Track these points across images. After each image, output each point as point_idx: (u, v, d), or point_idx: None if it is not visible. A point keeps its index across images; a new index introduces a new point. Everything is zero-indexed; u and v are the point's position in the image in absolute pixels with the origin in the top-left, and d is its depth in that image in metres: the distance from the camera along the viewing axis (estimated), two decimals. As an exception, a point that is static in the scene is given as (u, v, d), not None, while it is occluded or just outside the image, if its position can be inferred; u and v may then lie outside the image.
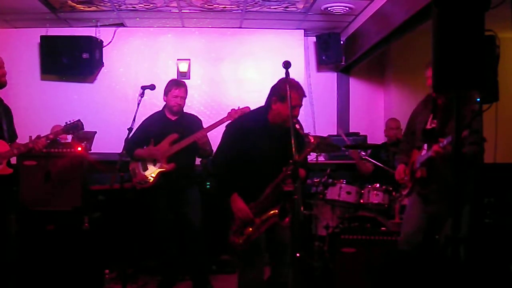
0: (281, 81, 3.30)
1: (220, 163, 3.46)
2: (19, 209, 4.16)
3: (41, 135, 3.70)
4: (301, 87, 3.32)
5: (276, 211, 3.26)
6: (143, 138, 4.59)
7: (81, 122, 3.83)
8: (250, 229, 3.31)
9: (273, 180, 3.29)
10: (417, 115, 3.71)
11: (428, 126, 3.55)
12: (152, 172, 4.53)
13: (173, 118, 4.63)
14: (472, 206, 3.33)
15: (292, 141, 3.11)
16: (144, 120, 4.66)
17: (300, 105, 3.35)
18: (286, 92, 3.06)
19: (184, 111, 4.71)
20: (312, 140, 3.16)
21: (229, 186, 3.39)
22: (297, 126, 3.11)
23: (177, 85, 4.59)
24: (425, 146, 3.46)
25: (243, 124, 3.54)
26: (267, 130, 3.41)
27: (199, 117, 4.83)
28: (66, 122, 3.81)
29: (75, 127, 3.81)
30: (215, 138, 4.59)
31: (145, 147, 4.58)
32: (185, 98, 4.61)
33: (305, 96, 3.37)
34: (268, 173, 3.31)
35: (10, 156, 3.61)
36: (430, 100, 3.59)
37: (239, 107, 4.39)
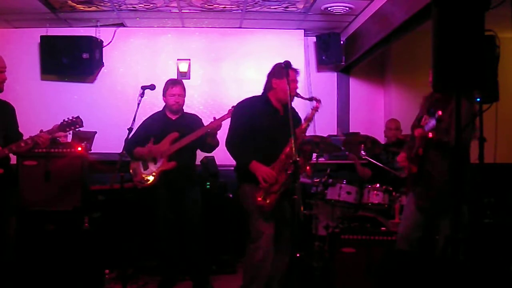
0: (275, 64, 3.83)
1: (235, 139, 3.73)
2: (19, 209, 4.16)
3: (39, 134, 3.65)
4: (292, 66, 3.70)
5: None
6: (144, 137, 4.59)
7: (80, 119, 3.74)
8: (276, 187, 3.57)
9: (284, 147, 3.58)
10: (416, 121, 3.74)
11: (423, 123, 3.57)
12: (153, 171, 4.53)
13: (174, 117, 4.64)
14: (469, 206, 3.34)
15: (292, 141, 3.18)
16: (144, 120, 4.67)
17: (296, 80, 3.78)
18: (281, 69, 3.64)
19: (185, 111, 4.72)
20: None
21: (247, 155, 3.66)
22: (299, 96, 3.69)
23: (173, 84, 4.62)
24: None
25: (246, 104, 3.86)
26: (270, 107, 3.79)
27: (199, 117, 4.84)
28: (63, 120, 3.73)
29: (73, 124, 3.72)
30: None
31: (145, 146, 4.59)
32: (183, 96, 4.62)
33: (299, 73, 3.82)
34: (278, 144, 3.62)
35: None
36: (425, 103, 3.64)
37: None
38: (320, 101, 3.69)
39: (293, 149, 3.26)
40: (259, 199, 3.58)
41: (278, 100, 3.78)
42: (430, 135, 3.26)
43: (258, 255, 3.65)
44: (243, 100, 3.91)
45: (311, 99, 3.70)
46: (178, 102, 4.58)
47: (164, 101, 4.63)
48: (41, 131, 3.65)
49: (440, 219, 3.46)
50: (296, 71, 3.77)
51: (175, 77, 6.29)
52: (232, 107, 4.16)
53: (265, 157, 3.63)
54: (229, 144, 3.77)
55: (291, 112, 3.39)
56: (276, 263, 3.75)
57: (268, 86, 3.83)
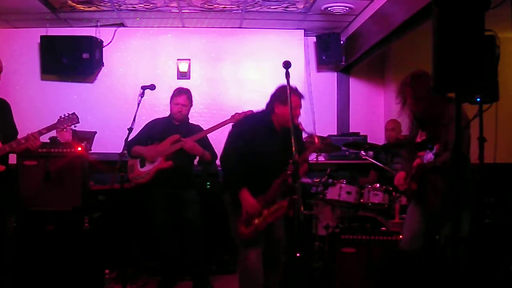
0: (280, 87, 3.60)
1: (230, 160, 3.63)
2: (19, 209, 4.16)
3: (31, 133, 3.61)
4: (298, 90, 3.63)
5: (285, 203, 3.51)
6: (145, 139, 4.64)
7: (76, 115, 3.80)
8: (257, 220, 3.53)
9: (279, 175, 3.53)
10: (411, 131, 3.81)
11: (418, 139, 3.64)
12: (149, 169, 4.57)
13: (177, 123, 4.70)
14: (472, 212, 3.34)
15: (292, 141, 3.17)
16: (148, 122, 4.75)
17: (300, 106, 3.65)
18: (286, 95, 3.34)
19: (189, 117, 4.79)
20: (316, 141, 3.52)
21: (239, 181, 3.57)
22: (301, 127, 3.46)
23: (178, 93, 4.69)
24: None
25: (249, 123, 3.76)
26: (271, 130, 3.67)
27: (200, 117, 4.88)
28: (60, 116, 3.78)
29: (70, 120, 3.78)
30: (216, 139, 4.62)
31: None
32: (187, 106, 4.66)
33: (303, 98, 3.69)
34: (274, 169, 3.57)
35: None
36: (413, 117, 3.73)
37: (242, 111, 4.44)
38: (319, 141, 3.61)
39: (293, 148, 3.24)
40: (242, 228, 3.53)
41: (279, 124, 3.66)
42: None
43: (249, 259, 3.61)
44: (248, 116, 3.85)
45: (311, 136, 3.61)
46: (181, 112, 4.63)
47: (170, 108, 4.71)
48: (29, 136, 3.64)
49: (441, 228, 3.49)
50: (301, 97, 3.64)
51: (175, 77, 6.34)
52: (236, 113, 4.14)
53: (256, 183, 3.56)
54: (225, 160, 3.66)
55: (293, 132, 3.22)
56: (266, 282, 3.72)
57: (270, 108, 3.68)
